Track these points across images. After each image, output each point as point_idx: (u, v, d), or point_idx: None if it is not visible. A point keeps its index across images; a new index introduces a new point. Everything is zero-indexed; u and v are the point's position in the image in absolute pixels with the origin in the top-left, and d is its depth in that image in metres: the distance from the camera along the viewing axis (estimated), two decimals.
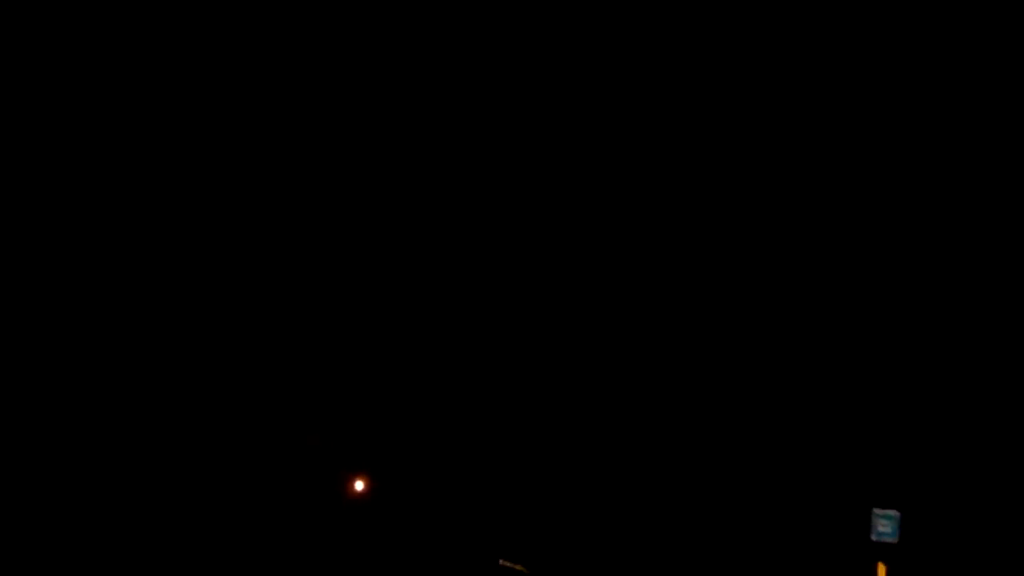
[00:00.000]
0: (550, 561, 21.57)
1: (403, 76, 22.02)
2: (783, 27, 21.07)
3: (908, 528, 19.71)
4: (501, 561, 21.00)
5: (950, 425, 20.88)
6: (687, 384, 21.83)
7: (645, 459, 21.97)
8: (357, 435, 22.21)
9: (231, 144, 22.00)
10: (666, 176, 21.93)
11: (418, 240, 22.14)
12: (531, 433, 22.14)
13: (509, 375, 22.08)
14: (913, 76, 20.66)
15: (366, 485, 21.98)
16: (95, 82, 21.50)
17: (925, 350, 20.83)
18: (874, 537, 19.49)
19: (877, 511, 19.59)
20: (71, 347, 21.40)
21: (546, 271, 22.04)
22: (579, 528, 21.81)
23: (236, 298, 22.02)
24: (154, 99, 21.70)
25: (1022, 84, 19.98)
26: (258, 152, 22.00)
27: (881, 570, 19.37)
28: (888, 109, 20.87)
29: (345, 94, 22.09)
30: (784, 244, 21.45)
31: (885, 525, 19.45)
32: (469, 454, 22.18)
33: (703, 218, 21.88)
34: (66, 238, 21.53)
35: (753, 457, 21.65)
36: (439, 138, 22.14)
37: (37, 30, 21.27)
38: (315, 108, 22.11)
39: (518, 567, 20.76)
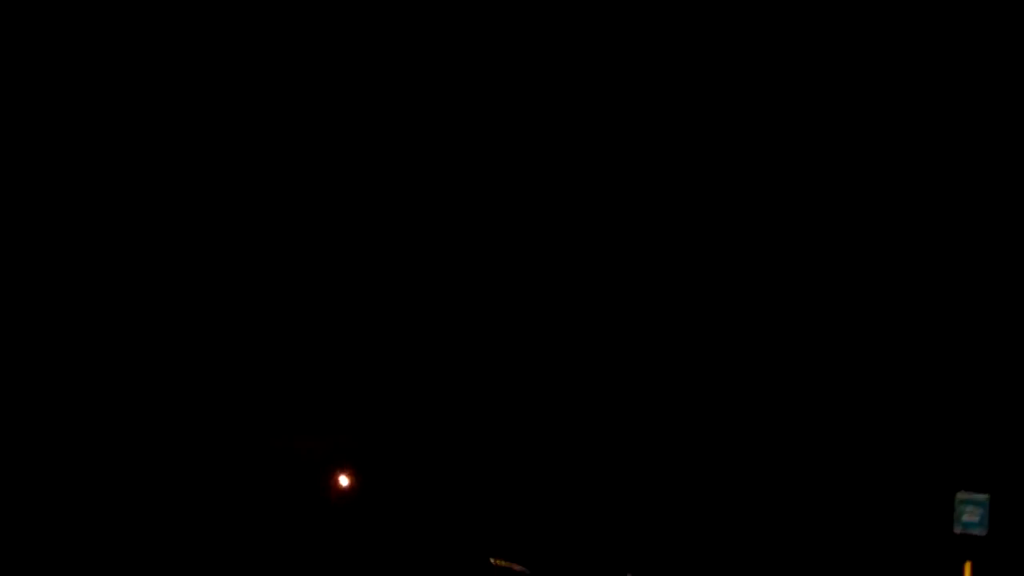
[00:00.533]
0: (545, 560, 20.34)
1: (403, 76, 22.10)
2: (783, 27, 21.15)
3: (999, 517, 16.29)
4: (493, 560, 19.22)
5: None
6: (724, 373, 21.26)
7: (659, 454, 21.05)
8: (343, 429, 21.57)
9: (213, 141, 22.06)
10: (668, 176, 21.87)
11: (400, 239, 22.09)
12: (523, 429, 21.51)
13: (500, 370, 21.73)
14: (913, 76, 20.54)
15: (351, 480, 21.15)
16: (96, 82, 21.72)
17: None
18: (958, 529, 16.11)
19: (962, 495, 16.17)
20: (50, 347, 21.35)
21: (531, 266, 21.96)
22: (576, 526, 20.86)
23: (220, 297, 22.03)
24: (154, 99, 21.90)
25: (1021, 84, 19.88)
26: (236, 150, 22.08)
27: (967, 570, 15.95)
28: (888, 109, 20.72)
29: (345, 94, 22.22)
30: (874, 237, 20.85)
31: (972, 513, 16.04)
32: (460, 450, 21.44)
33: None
34: (46, 236, 21.58)
35: (807, 440, 20.19)
36: (419, 134, 22.20)
37: (37, 30, 21.52)
38: (307, 107, 22.21)
39: (515, 567, 18.87)
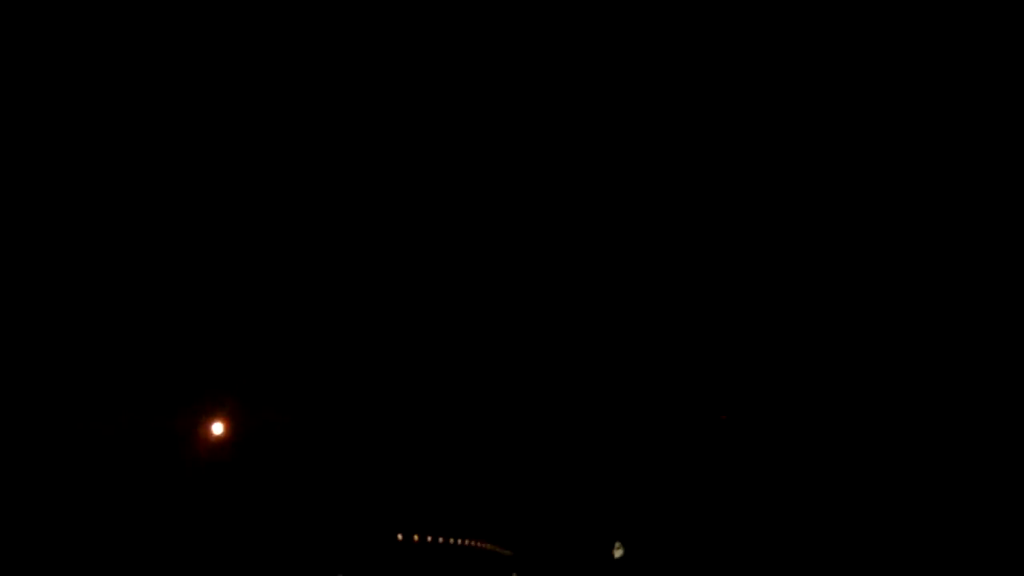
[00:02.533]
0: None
1: (403, 76, 23.50)
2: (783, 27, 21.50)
3: None
4: (400, 536, 17.12)
5: None
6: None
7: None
8: (214, 365, 19.94)
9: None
10: (669, 177, 23.42)
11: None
12: (430, 386, 21.10)
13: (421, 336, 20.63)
14: (913, 76, 20.59)
15: (226, 428, 18.54)
16: (96, 82, 22.44)
17: None
18: None
19: None
20: None
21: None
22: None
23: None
24: (152, 99, 22.98)
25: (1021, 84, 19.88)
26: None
27: None
28: (888, 109, 20.95)
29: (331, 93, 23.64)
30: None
31: None
32: (363, 402, 20.29)
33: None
34: None
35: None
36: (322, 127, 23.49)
37: (37, 30, 21.74)
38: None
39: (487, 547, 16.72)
